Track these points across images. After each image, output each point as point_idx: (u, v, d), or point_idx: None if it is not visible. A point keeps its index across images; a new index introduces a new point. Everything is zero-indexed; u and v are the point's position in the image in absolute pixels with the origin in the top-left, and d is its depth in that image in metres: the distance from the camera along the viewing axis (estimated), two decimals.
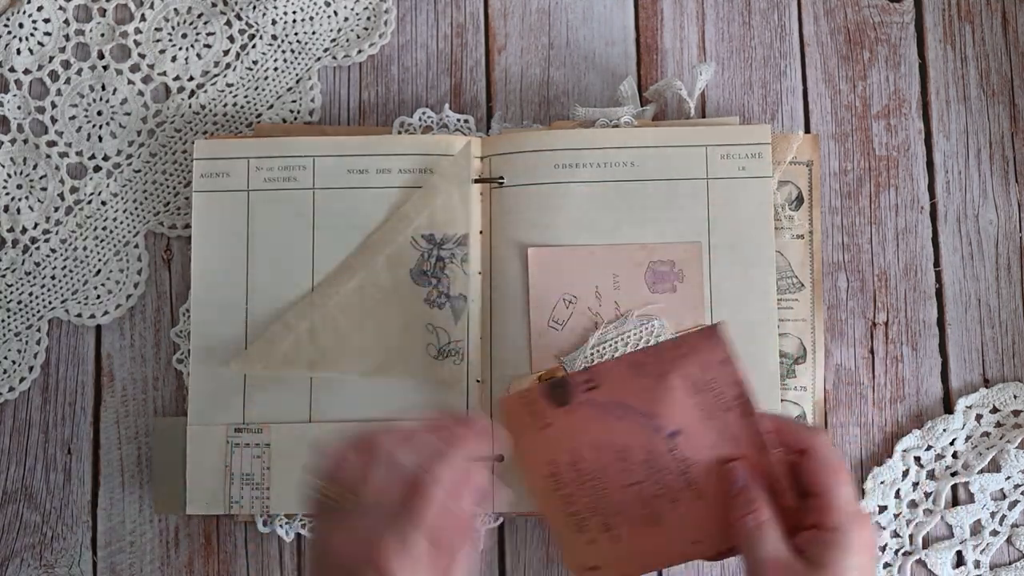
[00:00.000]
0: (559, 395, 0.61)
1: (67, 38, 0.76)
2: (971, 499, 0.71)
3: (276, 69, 0.76)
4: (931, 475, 0.72)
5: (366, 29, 0.77)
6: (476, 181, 0.72)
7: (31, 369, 0.74)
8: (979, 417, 0.72)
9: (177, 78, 0.76)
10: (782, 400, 0.70)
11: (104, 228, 0.74)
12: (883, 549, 0.71)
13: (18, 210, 0.75)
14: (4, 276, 0.74)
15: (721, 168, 0.70)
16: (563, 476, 0.61)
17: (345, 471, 0.54)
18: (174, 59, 0.76)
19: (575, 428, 0.61)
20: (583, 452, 0.61)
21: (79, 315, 0.74)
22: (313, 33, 0.76)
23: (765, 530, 0.57)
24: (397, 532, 0.50)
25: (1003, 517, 0.71)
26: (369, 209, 0.71)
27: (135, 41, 0.76)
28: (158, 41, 0.76)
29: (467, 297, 0.70)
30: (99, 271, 0.74)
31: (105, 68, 0.76)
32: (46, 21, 0.76)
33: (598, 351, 0.69)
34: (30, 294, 0.74)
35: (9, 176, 0.75)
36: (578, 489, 0.61)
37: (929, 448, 0.72)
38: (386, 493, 0.52)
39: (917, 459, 0.72)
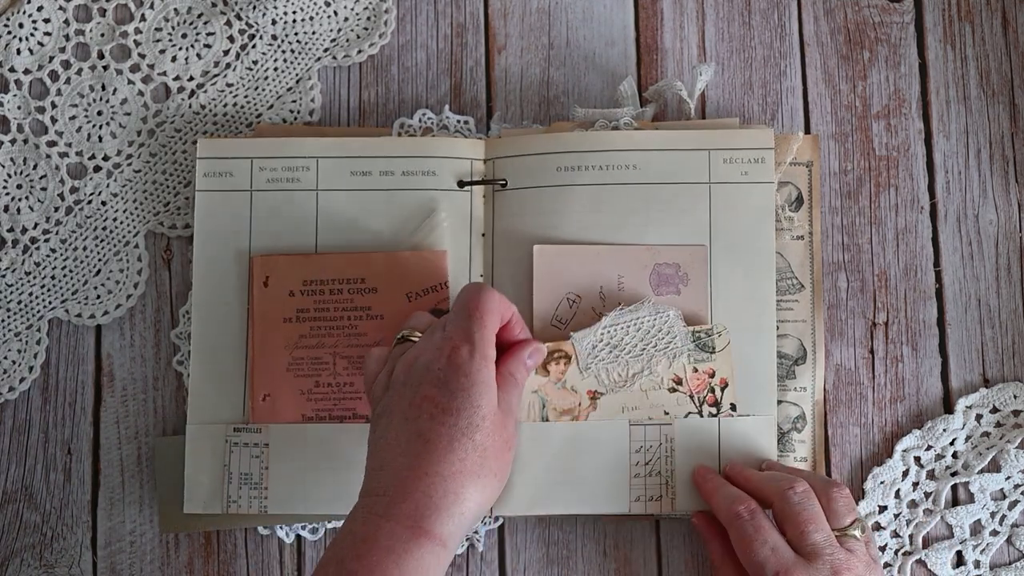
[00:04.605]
0: None
1: (67, 38, 0.76)
2: (971, 499, 0.71)
3: (276, 69, 0.76)
4: (931, 475, 0.72)
5: (366, 29, 0.77)
6: (478, 183, 0.72)
7: (31, 369, 0.73)
8: (979, 417, 0.72)
9: (177, 78, 0.76)
10: (781, 401, 0.70)
11: (104, 228, 0.74)
12: (883, 549, 0.71)
13: (18, 210, 0.74)
14: (4, 276, 0.74)
15: (723, 172, 0.70)
16: None
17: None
18: (174, 59, 0.76)
19: None
20: None
21: (79, 315, 0.74)
22: (313, 33, 0.76)
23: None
24: (466, 336, 0.60)
25: (1003, 517, 0.71)
26: (372, 211, 0.71)
27: (135, 41, 0.76)
28: (158, 41, 0.76)
29: None
30: (99, 271, 0.74)
31: (105, 68, 0.76)
32: (46, 21, 0.76)
33: (609, 332, 0.69)
34: (30, 294, 0.74)
35: (9, 176, 0.75)
36: None
37: (929, 448, 0.72)
38: (448, 320, 0.62)
39: (917, 459, 0.72)
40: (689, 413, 0.69)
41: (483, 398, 0.59)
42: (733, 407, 0.69)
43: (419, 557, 0.56)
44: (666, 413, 0.69)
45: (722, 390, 0.69)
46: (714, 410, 0.69)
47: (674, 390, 0.69)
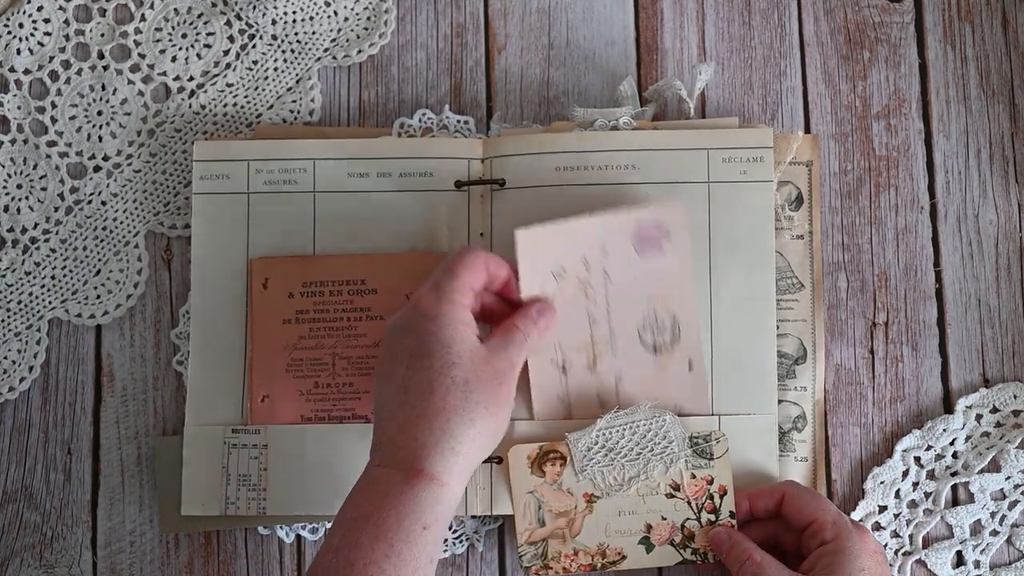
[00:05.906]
0: None
1: (67, 38, 0.76)
2: (971, 499, 0.71)
3: (276, 69, 0.76)
4: (931, 475, 0.72)
5: (366, 29, 0.77)
6: (477, 183, 0.72)
7: (31, 369, 0.73)
8: (979, 417, 0.72)
9: (177, 78, 0.76)
10: (782, 400, 0.70)
11: (104, 228, 0.74)
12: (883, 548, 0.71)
13: (18, 210, 0.75)
14: (4, 276, 0.74)
15: (722, 172, 0.70)
16: None
17: None
18: (174, 59, 0.76)
19: None
20: None
21: (79, 315, 0.74)
22: (313, 33, 0.76)
23: (764, 569, 0.62)
24: (435, 285, 0.61)
25: (1003, 517, 0.71)
26: (370, 213, 0.71)
27: (135, 41, 0.76)
28: (158, 41, 0.76)
29: None
30: (99, 271, 0.74)
31: (105, 68, 0.76)
32: (46, 21, 0.76)
33: (604, 435, 0.68)
34: (30, 294, 0.74)
35: (9, 176, 0.75)
36: None
37: (929, 448, 0.72)
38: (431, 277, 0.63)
39: (917, 459, 0.72)
40: (687, 519, 0.67)
41: (454, 335, 0.60)
42: (732, 515, 0.67)
43: (414, 496, 0.57)
44: (663, 519, 0.67)
45: (721, 498, 0.67)
46: (712, 517, 0.67)
47: (671, 496, 0.67)
